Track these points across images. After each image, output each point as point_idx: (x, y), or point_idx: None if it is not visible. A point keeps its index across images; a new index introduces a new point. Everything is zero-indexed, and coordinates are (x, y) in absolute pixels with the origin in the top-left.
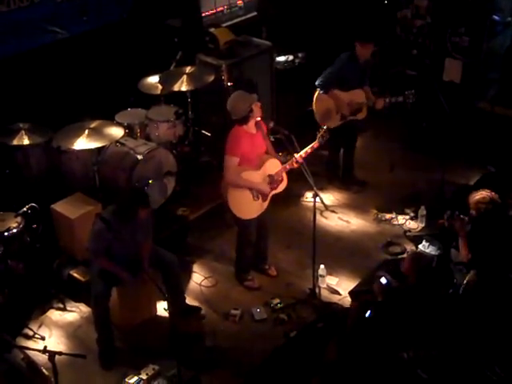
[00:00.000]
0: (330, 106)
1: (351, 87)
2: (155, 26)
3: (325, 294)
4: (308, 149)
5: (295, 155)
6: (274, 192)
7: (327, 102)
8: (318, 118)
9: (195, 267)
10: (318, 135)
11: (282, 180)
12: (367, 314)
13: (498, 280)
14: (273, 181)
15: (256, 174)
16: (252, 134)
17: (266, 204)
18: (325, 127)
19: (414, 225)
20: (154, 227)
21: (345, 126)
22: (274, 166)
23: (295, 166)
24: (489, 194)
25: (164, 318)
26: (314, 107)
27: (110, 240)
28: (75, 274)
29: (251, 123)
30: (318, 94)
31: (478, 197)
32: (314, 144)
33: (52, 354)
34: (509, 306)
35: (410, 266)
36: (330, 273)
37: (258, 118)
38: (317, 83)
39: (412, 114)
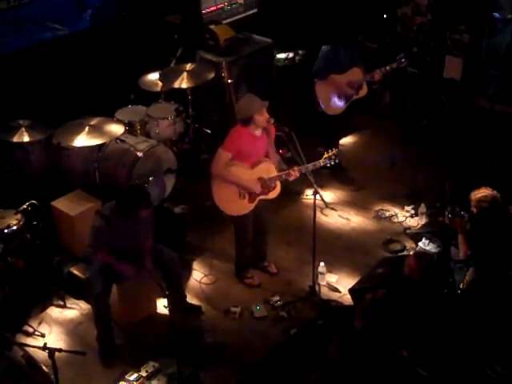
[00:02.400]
0: (331, 92)
1: (346, 68)
2: (155, 23)
3: (324, 292)
4: (310, 165)
5: (294, 168)
6: (263, 197)
7: (328, 89)
8: (325, 107)
9: (195, 265)
10: (325, 155)
11: (274, 187)
12: None
13: (497, 278)
14: (264, 185)
15: (247, 171)
16: (255, 135)
17: (252, 205)
18: (335, 150)
19: (413, 222)
20: (154, 224)
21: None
22: (268, 170)
23: (291, 178)
24: (490, 192)
25: (164, 315)
26: (317, 99)
27: (110, 235)
28: (75, 271)
29: (254, 127)
30: (317, 83)
31: (479, 195)
32: (318, 163)
33: (52, 351)
34: (508, 303)
35: (415, 265)
36: (329, 270)
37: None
38: (313, 71)
39: (412, 111)
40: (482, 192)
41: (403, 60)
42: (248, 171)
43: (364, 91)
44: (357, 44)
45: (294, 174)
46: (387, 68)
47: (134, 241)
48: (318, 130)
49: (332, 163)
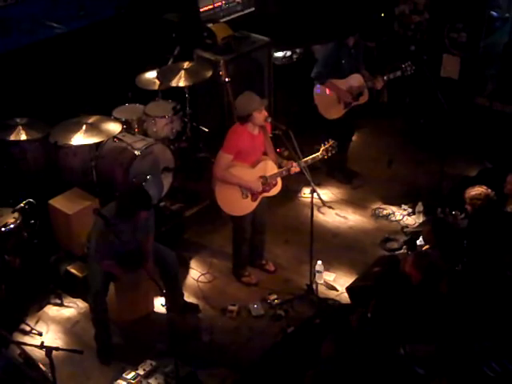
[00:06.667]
0: (331, 97)
1: (347, 73)
2: (153, 21)
3: (322, 290)
4: (309, 159)
5: (293, 163)
6: (265, 194)
7: (328, 93)
8: (323, 111)
9: (192, 263)
10: (323, 148)
11: (275, 184)
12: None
13: (495, 277)
14: (265, 183)
15: (248, 171)
16: (253, 134)
17: (255, 204)
18: (331, 141)
19: (411, 221)
20: (154, 226)
21: (343, 121)
22: (269, 167)
23: (291, 173)
24: (484, 190)
25: (162, 313)
26: (316, 102)
27: (112, 239)
28: (72, 270)
29: (251, 125)
30: (316, 88)
31: (473, 193)
32: (317, 156)
33: (49, 350)
34: (505, 302)
35: (414, 265)
36: (327, 269)
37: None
38: (312, 75)
39: (410, 110)
40: (476, 190)
41: (409, 68)
42: (249, 171)
43: (365, 98)
44: (362, 48)
45: (294, 168)
46: (390, 76)
47: (135, 242)
48: (327, 134)
49: (329, 155)
